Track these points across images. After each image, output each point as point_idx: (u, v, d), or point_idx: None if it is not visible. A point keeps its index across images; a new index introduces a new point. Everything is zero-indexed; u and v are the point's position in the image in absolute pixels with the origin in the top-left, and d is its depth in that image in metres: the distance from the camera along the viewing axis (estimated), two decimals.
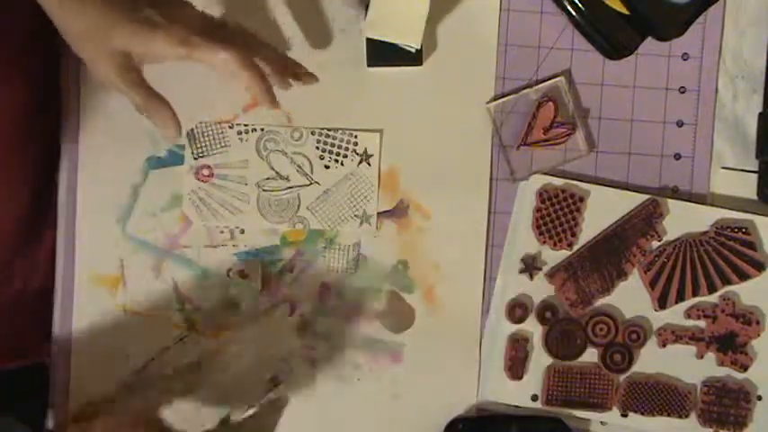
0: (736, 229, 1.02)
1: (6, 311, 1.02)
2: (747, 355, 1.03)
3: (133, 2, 0.83)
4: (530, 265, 1.02)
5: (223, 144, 1.00)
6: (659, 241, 1.02)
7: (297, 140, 1.00)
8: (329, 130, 1.01)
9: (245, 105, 1.00)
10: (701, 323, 1.03)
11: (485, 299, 1.03)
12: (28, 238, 1.02)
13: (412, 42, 0.97)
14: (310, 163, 1.01)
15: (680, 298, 1.02)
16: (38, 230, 1.02)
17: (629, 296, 1.02)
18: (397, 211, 1.02)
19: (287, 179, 1.01)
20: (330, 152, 1.01)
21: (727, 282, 1.02)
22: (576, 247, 1.02)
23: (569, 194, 1.02)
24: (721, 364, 1.03)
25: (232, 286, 1.01)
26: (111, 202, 0.99)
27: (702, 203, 1.03)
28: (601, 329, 1.02)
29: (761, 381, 1.03)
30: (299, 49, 1.00)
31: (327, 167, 1.01)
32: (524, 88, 1.02)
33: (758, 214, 1.03)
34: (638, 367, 1.03)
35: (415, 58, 1.00)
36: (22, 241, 1.01)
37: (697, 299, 1.03)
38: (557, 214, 1.02)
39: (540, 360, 1.03)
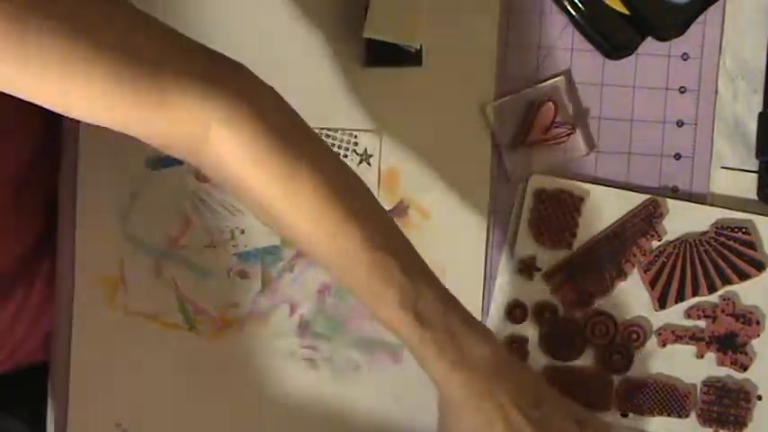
0: (736, 229, 1.02)
1: (5, 324, 1.02)
2: (747, 355, 1.03)
3: None
4: (529, 266, 1.02)
5: None
6: (659, 241, 1.02)
7: None
8: (329, 130, 1.01)
9: None
10: (701, 323, 1.03)
11: (484, 299, 1.03)
12: (28, 269, 1.03)
13: (412, 42, 0.97)
14: None
15: (680, 298, 1.02)
16: (38, 263, 1.03)
17: (629, 296, 1.02)
18: (397, 211, 1.02)
19: None
20: None
21: (727, 282, 1.02)
22: (575, 247, 1.02)
23: (569, 194, 1.02)
24: (721, 364, 1.03)
25: (232, 286, 1.01)
26: (110, 202, 0.99)
27: (702, 203, 1.03)
28: (600, 330, 1.02)
29: (761, 381, 1.03)
30: (299, 50, 1.00)
31: None
32: (524, 88, 1.02)
33: (758, 214, 1.02)
34: (637, 367, 1.03)
35: (414, 59, 1.00)
36: (22, 274, 1.02)
37: (697, 299, 1.02)
38: (556, 214, 1.02)
39: (539, 360, 1.03)
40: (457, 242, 1.02)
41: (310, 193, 0.77)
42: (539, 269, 1.02)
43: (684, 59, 1.03)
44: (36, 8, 0.67)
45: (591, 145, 1.03)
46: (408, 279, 0.79)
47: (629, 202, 1.02)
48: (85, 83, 0.70)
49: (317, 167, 0.77)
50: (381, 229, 0.81)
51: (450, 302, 0.82)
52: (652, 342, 1.03)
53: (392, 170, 1.02)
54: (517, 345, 1.02)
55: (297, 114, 0.81)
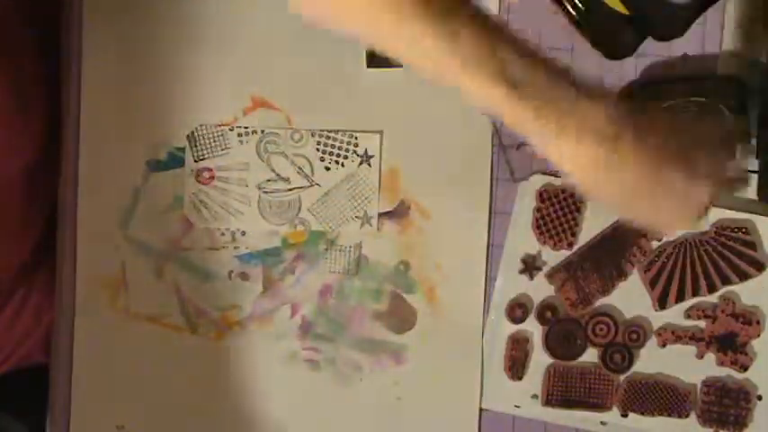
0: (736, 229, 1.02)
1: (4, 325, 1.02)
2: (747, 355, 1.03)
3: None
4: (530, 265, 1.03)
5: (224, 146, 1.00)
6: (659, 241, 1.02)
7: (297, 142, 1.00)
8: (329, 131, 1.01)
9: (245, 108, 1.00)
10: (701, 323, 1.03)
11: (485, 299, 1.03)
12: (29, 272, 1.03)
13: None
14: (311, 164, 1.01)
15: (680, 298, 1.02)
16: (38, 265, 1.04)
17: (629, 296, 1.02)
18: (398, 212, 1.02)
19: (287, 181, 1.01)
20: (330, 153, 1.01)
21: (727, 282, 1.02)
22: (576, 247, 1.02)
23: (569, 194, 1.02)
24: (721, 364, 1.03)
25: (233, 288, 1.01)
26: (112, 204, 0.99)
27: None
28: (601, 329, 1.02)
29: (761, 381, 1.03)
30: (299, 50, 1.00)
31: (328, 169, 1.01)
32: None
33: (758, 214, 1.03)
34: (638, 367, 1.03)
35: None
36: (22, 277, 1.02)
37: (697, 299, 1.03)
38: (557, 214, 1.02)
39: (540, 360, 1.03)
40: (457, 242, 1.02)
41: None
42: (539, 269, 1.03)
43: (684, 59, 1.03)
44: None
45: None
46: (492, 50, 0.72)
47: None
48: None
49: None
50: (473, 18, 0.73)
51: (547, 63, 0.75)
52: (652, 342, 1.03)
53: (393, 171, 1.02)
54: (518, 344, 1.02)
55: None
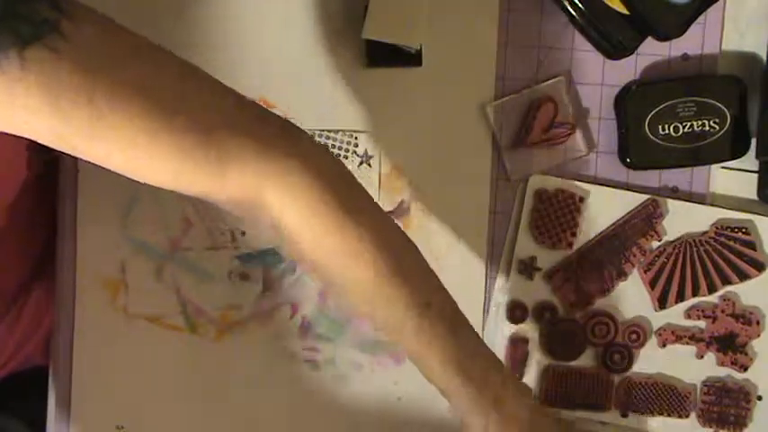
0: (736, 229, 1.02)
1: (4, 330, 1.02)
2: (747, 355, 1.03)
3: None
4: (529, 266, 1.03)
5: None
6: (659, 241, 1.03)
7: None
8: (329, 131, 1.01)
9: None
10: (701, 323, 1.03)
11: (484, 299, 1.03)
12: (29, 280, 1.03)
13: (412, 43, 0.97)
14: None
15: (680, 298, 1.03)
16: (39, 271, 1.04)
17: (629, 296, 1.03)
18: (398, 212, 1.02)
19: None
20: None
21: (727, 282, 1.03)
22: (575, 248, 1.03)
23: (569, 194, 1.02)
24: (721, 364, 1.03)
25: (233, 288, 1.01)
26: (111, 204, 0.99)
27: (702, 203, 1.03)
28: (600, 330, 1.03)
29: (761, 381, 1.04)
30: (299, 51, 1.00)
31: None
32: (524, 88, 1.02)
33: (758, 214, 1.03)
34: (637, 367, 1.03)
35: (414, 59, 0.99)
36: (23, 286, 1.03)
37: (697, 299, 1.03)
38: (556, 214, 1.02)
39: (539, 360, 1.03)
40: (457, 242, 1.02)
41: (364, 261, 0.78)
42: (539, 269, 1.03)
43: (684, 59, 1.03)
44: (105, 80, 0.69)
45: (591, 145, 1.03)
46: (453, 337, 0.80)
47: (629, 202, 1.02)
48: (148, 157, 0.72)
49: (371, 230, 0.78)
50: (429, 289, 0.82)
51: (491, 360, 0.83)
52: (652, 342, 1.03)
53: (393, 171, 1.02)
54: (517, 345, 1.02)
55: (348, 172, 0.81)
